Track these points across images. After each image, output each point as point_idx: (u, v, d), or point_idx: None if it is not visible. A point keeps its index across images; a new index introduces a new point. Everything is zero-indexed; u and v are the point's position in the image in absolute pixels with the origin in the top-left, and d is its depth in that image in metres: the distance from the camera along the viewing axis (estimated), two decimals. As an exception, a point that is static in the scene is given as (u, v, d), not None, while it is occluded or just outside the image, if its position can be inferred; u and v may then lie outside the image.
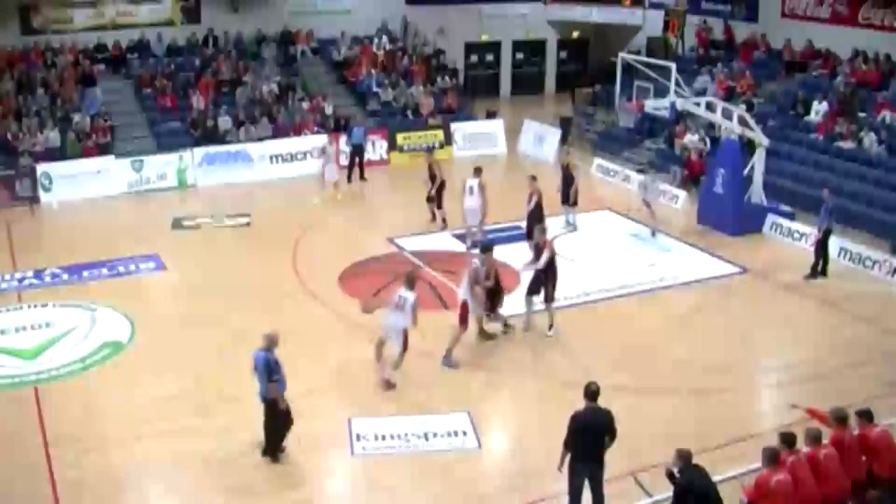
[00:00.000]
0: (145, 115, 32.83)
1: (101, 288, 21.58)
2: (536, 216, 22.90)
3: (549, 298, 19.18)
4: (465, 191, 23.64)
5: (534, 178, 23.90)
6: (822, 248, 22.46)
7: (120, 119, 32.11)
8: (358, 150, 30.80)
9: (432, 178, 25.71)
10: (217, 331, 19.20)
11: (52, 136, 29.85)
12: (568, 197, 25.22)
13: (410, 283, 17.25)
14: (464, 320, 18.12)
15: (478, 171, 24.00)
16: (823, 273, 22.38)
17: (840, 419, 12.59)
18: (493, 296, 18.90)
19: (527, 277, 19.62)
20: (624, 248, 23.93)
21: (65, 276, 22.23)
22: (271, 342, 14.38)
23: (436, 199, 25.74)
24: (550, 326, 19.31)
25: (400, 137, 33.37)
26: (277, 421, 14.54)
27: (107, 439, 15.26)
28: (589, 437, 12.40)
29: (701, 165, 28.68)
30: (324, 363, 17.81)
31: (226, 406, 16.25)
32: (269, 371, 14.20)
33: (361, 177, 30.72)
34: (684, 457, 11.62)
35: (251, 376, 14.43)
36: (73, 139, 29.92)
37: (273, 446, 14.71)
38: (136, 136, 31.74)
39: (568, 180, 25.20)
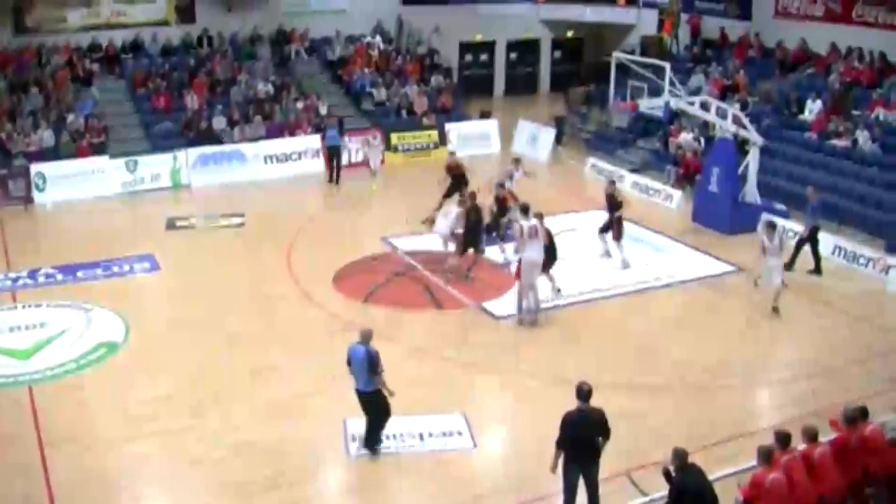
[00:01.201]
0: (139, 116, 32.76)
1: (95, 288, 21.53)
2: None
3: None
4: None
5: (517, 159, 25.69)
6: (811, 246, 22.55)
7: (114, 119, 32.06)
8: (334, 152, 30.55)
9: (455, 178, 25.58)
10: (211, 331, 19.19)
11: (46, 136, 29.77)
12: (608, 227, 23.39)
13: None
14: (518, 275, 19.53)
15: (516, 162, 25.78)
16: (818, 271, 22.44)
17: (849, 420, 12.63)
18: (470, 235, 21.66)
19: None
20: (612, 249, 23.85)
21: (59, 277, 22.18)
22: (369, 336, 14.41)
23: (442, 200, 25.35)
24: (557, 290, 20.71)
25: (394, 137, 33.34)
26: (382, 412, 14.63)
27: (101, 439, 15.23)
28: (582, 438, 12.41)
29: (695, 164, 28.72)
30: (318, 364, 17.77)
31: (220, 407, 16.24)
32: (374, 364, 14.24)
33: (336, 180, 30.40)
34: (680, 456, 11.64)
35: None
36: (67, 139, 29.86)
37: (377, 437, 14.79)
38: (131, 137, 31.67)
39: (612, 210, 23.27)
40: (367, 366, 14.21)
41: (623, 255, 23.03)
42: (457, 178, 25.17)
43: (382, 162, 31.80)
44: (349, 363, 14.43)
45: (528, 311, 19.71)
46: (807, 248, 22.65)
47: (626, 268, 22.78)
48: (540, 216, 19.93)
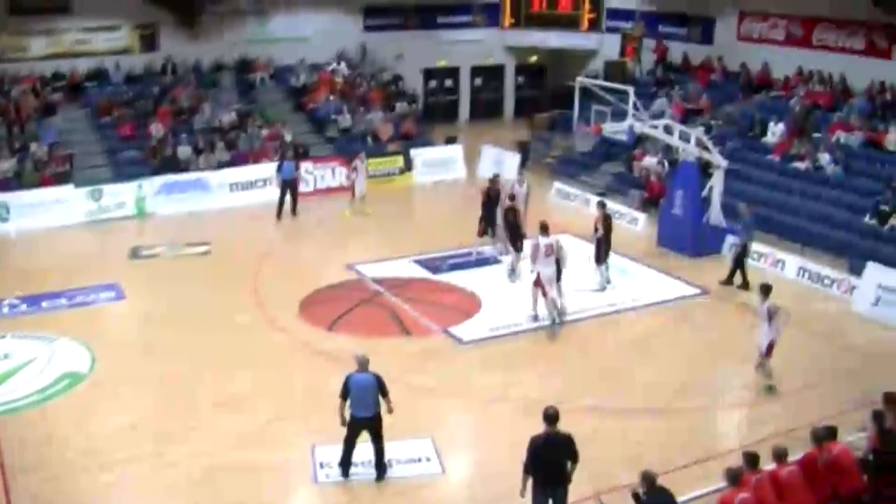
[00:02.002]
0: (103, 144, 32.57)
1: (60, 318, 21.33)
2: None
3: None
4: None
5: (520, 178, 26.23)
6: (738, 261, 23.07)
7: (78, 148, 31.83)
8: (289, 185, 29.65)
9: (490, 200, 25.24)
10: (177, 360, 19.06)
11: (10, 166, 29.53)
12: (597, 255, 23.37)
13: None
14: (543, 292, 20.75)
15: (520, 180, 26.38)
16: (745, 286, 22.90)
17: (817, 439, 12.72)
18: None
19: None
20: (584, 271, 23.85)
21: (23, 307, 21.97)
22: (367, 362, 14.56)
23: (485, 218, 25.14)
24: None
25: (360, 164, 33.34)
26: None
27: (66, 470, 15.06)
28: (549, 461, 12.41)
29: (660, 188, 28.89)
30: (286, 391, 17.74)
31: (186, 435, 16.12)
32: (385, 386, 14.46)
33: (293, 211, 29.70)
34: (649, 479, 11.68)
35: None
36: (31, 168, 29.64)
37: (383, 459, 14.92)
38: (95, 165, 31.48)
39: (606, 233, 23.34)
40: (377, 391, 14.38)
41: (601, 279, 23.22)
42: (491, 201, 25.25)
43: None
44: (345, 395, 14.38)
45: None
46: (766, 268, 22.93)
47: (601, 290, 23.03)
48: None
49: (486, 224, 24.65)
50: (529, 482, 12.48)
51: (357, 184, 29.77)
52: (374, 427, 14.60)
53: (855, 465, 12.82)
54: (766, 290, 18.18)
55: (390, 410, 14.61)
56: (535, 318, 20.97)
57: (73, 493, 14.53)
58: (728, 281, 23.21)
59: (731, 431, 17.03)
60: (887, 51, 29.98)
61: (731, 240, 24.94)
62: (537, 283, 20.67)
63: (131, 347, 20.04)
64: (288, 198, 29.52)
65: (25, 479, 14.71)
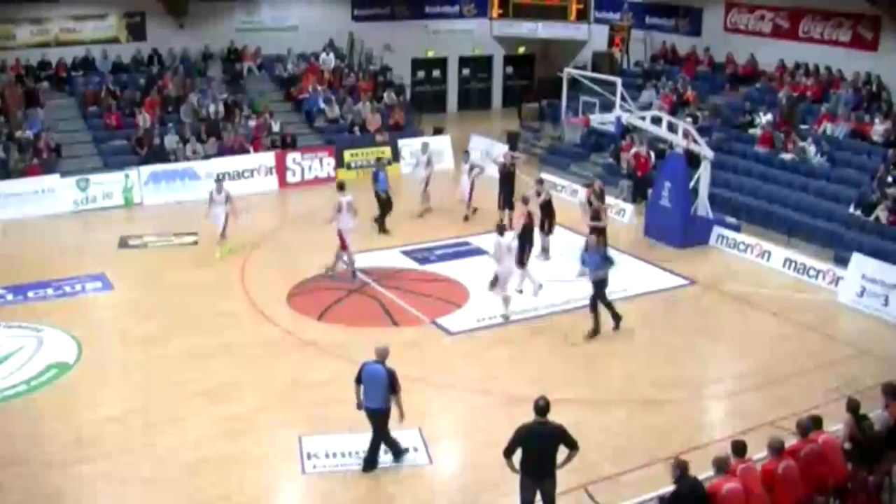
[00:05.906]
0: (91, 133, 32.49)
1: (46, 308, 21.29)
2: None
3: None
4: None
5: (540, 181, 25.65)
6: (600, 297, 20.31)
7: (65, 137, 31.74)
8: (385, 196, 26.96)
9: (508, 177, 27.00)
10: (164, 350, 19.04)
11: (-5, 155, 29.46)
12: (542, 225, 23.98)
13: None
14: (343, 246, 22.87)
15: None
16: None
17: (803, 430, 12.77)
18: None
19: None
20: (570, 261, 23.94)
21: (9, 297, 21.91)
22: (385, 354, 14.44)
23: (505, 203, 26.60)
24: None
25: (347, 154, 33.30)
26: (386, 430, 14.75)
27: (51, 462, 15.03)
28: (537, 452, 12.39)
29: (648, 165, 29.14)
30: (273, 381, 17.74)
31: (172, 427, 16.10)
32: (395, 382, 14.30)
33: (381, 227, 26.82)
34: (683, 466, 11.66)
35: (352, 385, 14.46)
36: (17, 158, 29.53)
37: (399, 448, 14.96)
38: (82, 155, 31.39)
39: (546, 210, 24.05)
40: (387, 385, 14.26)
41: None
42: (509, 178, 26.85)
43: (225, 229, 25.28)
44: (359, 381, 14.39)
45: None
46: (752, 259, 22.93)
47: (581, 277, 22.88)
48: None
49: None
50: (517, 464, 12.49)
51: (219, 216, 25.23)
52: (378, 421, 14.58)
53: (840, 455, 12.90)
54: (501, 229, 20.83)
55: (401, 414, 14.49)
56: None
57: (56, 487, 14.47)
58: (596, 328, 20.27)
59: (715, 422, 17.10)
60: (873, 42, 30.09)
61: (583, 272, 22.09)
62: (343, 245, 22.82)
63: (118, 337, 20.04)
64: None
65: (11, 471, 14.68)
